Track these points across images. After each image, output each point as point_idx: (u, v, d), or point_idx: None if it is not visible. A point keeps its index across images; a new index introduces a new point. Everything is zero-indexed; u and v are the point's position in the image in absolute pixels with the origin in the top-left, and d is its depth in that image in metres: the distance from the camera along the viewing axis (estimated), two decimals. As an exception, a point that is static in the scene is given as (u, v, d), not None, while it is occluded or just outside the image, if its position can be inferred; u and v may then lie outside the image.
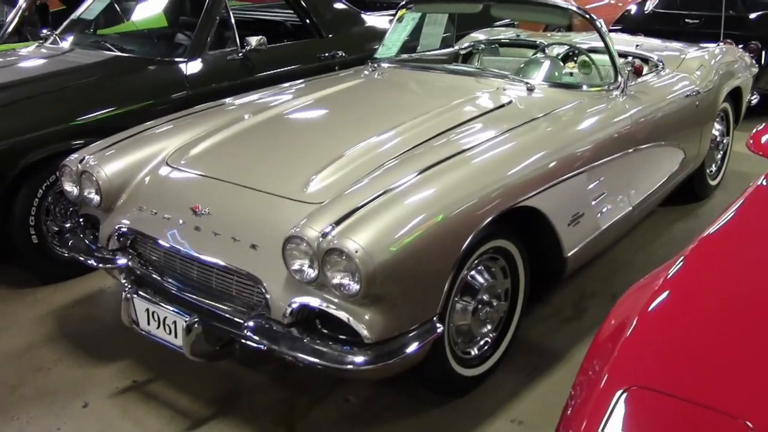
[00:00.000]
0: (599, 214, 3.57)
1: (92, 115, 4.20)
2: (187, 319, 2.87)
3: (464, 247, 2.77)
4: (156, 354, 3.39)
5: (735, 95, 5.08)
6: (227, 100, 4.04)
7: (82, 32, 5.39)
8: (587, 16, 3.90)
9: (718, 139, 5.05)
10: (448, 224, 2.71)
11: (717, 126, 4.96)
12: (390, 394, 3.17)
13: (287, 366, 3.31)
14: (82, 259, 3.38)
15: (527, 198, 3.04)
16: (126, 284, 3.16)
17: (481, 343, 3.16)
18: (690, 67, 4.55)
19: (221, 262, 2.87)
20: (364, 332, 2.57)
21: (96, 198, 3.34)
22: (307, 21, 5.44)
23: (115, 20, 5.67)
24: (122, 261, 3.22)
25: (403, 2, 4.55)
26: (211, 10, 4.78)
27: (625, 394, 1.69)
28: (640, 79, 4.14)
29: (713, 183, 5.20)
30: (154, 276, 3.15)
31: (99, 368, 3.42)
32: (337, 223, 2.57)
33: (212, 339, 2.93)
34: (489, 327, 3.15)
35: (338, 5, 5.71)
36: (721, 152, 5.24)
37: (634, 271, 4.16)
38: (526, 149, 3.21)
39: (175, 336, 2.96)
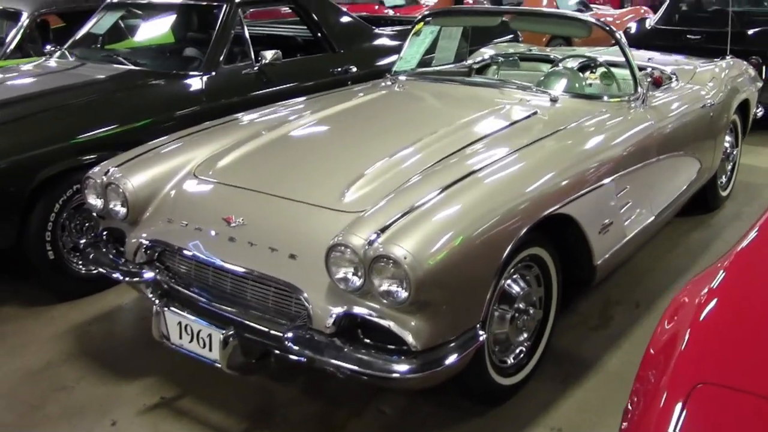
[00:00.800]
0: (626, 223, 3.58)
1: (109, 128, 4.15)
2: (223, 332, 2.82)
3: (506, 253, 2.76)
4: (182, 370, 3.34)
5: (743, 108, 5.13)
6: (247, 113, 4.02)
7: (89, 47, 5.37)
8: (607, 28, 3.93)
9: (728, 151, 5.09)
10: (491, 231, 2.69)
11: (727, 138, 5.00)
12: (426, 404, 3.13)
13: (319, 379, 3.27)
14: (106, 272, 3.33)
15: (563, 206, 3.04)
16: (154, 298, 3.11)
17: (517, 351, 3.14)
18: (703, 80, 4.60)
19: (260, 273, 2.82)
20: (411, 340, 2.54)
21: (122, 210, 3.29)
22: (319, 35, 5.44)
23: (121, 36, 5.64)
24: (149, 274, 3.17)
25: (421, 16, 4.57)
26: (226, 24, 4.77)
27: (689, 397, 1.70)
28: (658, 91, 4.17)
29: (724, 194, 5.24)
30: (183, 289, 3.10)
31: (124, 385, 3.34)
32: (382, 230, 2.55)
33: (248, 352, 2.88)
34: (525, 335, 3.13)
35: (350, 20, 5.73)
36: (731, 163, 5.29)
37: (655, 280, 4.19)
38: (559, 158, 3.22)
39: (210, 349, 2.91)
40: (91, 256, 3.45)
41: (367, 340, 2.67)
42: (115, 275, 3.29)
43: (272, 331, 2.78)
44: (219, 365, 2.86)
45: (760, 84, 5.44)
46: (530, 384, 3.22)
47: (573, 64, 4.64)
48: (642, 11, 11.62)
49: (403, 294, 2.48)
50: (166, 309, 3.03)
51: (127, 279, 3.25)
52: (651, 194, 3.84)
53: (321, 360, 2.62)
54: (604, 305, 3.93)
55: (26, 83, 4.72)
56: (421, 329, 2.55)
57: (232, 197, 3.14)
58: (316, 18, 5.43)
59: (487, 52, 5.38)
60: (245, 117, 3.95)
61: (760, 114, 5.45)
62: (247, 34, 4.91)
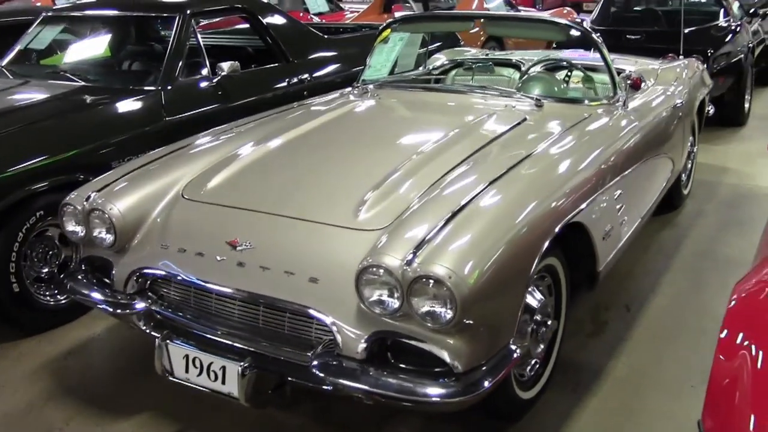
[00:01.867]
0: (621, 226, 3.58)
1: (70, 150, 3.85)
2: (240, 364, 2.64)
3: (534, 264, 2.70)
4: (176, 402, 3.15)
5: (700, 106, 5.25)
6: (224, 128, 3.83)
7: (28, 63, 5.02)
8: (583, 29, 3.93)
9: (689, 149, 5.19)
10: (522, 242, 2.64)
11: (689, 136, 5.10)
12: (444, 425, 3.04)
13: (326, 404, 3.13)
14: (91, 304, 3.13)
15: (575, 214, 3.00)
16: (149, 330, 2.92)
17: (532, 363, 3.08)
18: (667, 80, 4.68)
19: (279, 299, 2.66)
20: (453, 362, 2.44)
21: (109, 237, 3.06)
22: (272, 43, 5.25)
23: (61, 51, 5.29)
24: (141, 305, 2.96)
25: (386, 23, 4.46)
26: (180, 36, 4.54)
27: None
28: (635, 93, 4.20)
29: (685, 192, 5.35)
30: (184, 319, 2.90)
31: (117, 424, 3.11)
32: (418, 248, 2.43)
33: (265, 382, 2.71)
34: (542, 347, 3.07)
35: (301, 28, 5.58)
36: (690, 162, 5.40)
37: (637, 282, 4.23)
38: (566, 165, 3.19)
39: (223, 382, 2.72)
40: (69, 287, 3.21)
41: (401, 365, 2.55)
42: (102, 307, 3.07)
43: (294, 361, 2.63)
44: (235, 398, 2.69)
45: (711, 83, 5.59)
46: (544, 396, 3.16)
47: (538, 67, 4.62)
48: (565, 12, 11.87)
49: (448, 315, 2.37)
50: (169, 342, 2.83)
51: (118, 311, 3.03)
52: (639, 196, 3.88)
53: (354, 388, 2.49)
54: (596, 311, 3.92)
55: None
56: (461, 350, 2.45)
57: (233, 219, 2.96)
58: (267, 27, 5.25)
59: (442, 57, 5.33)
60: (222, 133, 3.74)
61: (711, 112, 5.60)
62: (202, 46, 4.71)
